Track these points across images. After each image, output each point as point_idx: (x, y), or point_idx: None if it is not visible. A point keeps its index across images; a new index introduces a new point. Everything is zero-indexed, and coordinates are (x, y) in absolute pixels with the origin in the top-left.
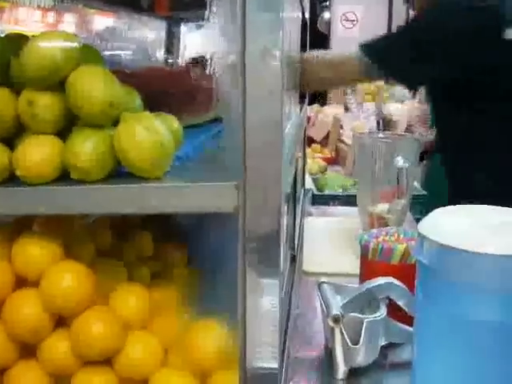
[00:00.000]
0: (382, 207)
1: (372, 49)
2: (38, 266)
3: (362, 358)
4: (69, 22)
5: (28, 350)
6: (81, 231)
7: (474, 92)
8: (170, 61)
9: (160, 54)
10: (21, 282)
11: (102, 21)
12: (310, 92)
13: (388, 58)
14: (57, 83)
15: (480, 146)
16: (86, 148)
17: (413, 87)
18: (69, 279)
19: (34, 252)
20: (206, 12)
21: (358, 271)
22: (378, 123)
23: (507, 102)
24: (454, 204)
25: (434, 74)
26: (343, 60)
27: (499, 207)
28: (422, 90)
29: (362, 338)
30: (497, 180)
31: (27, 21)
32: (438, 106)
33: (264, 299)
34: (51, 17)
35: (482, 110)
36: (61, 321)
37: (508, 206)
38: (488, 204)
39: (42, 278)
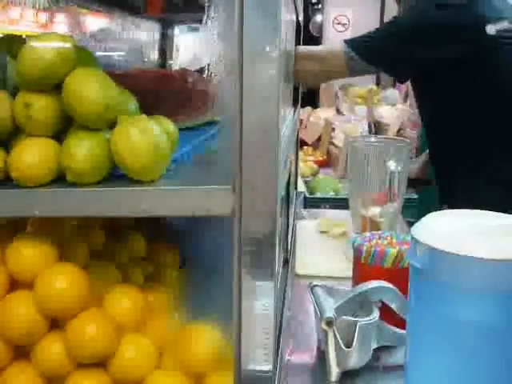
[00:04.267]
0: (374, 210)
1: (357, 43)
2: (31, 268)
3: (354, 360)
4: (62, 23)
5: (22, 352)
6: (74, 233)
7: (452, 88)
8: (164, 63)
9: (154, 56)
10: (15, 284)
11: (95, 22)
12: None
13: (372, 50)
14: (53, 85)
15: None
16: (82, 150)
17: (397, 77)
18: (62, 281)
19: (27, 254)
20: (204, 16)
21: (350, 274)
22: (370, 126)
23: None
24: (441, 206)
25: (415, 66)
26: (329, 54)
27: (490, 212)
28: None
29: (354, 341)
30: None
31: (20, 20)
32: (422, 104)
33: (258, 302)
34: (44, 17)
35: (463, 109)
36: (55, 323)
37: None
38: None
39: (35, 280)
